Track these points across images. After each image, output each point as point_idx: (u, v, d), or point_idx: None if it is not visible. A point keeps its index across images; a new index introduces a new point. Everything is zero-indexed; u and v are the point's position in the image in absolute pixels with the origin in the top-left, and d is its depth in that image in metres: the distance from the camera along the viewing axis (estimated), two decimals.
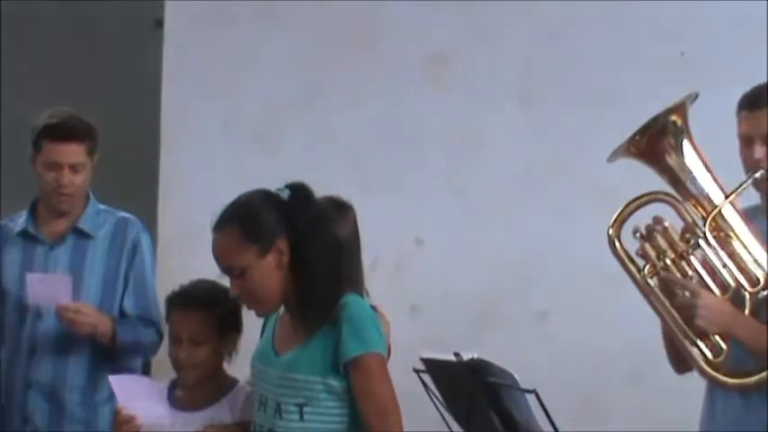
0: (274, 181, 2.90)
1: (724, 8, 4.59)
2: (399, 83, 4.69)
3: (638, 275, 2.80)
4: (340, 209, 3.27)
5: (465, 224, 4.58)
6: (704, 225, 2.76)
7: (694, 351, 2.77)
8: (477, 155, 4.64)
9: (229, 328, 3.07)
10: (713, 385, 2.82)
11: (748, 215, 2.84)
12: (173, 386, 3.14)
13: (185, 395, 3.09)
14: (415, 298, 4.44)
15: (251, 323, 3.06)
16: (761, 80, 4.21)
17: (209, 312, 3.05)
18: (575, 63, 4.65)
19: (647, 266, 2.78)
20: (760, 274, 2.76)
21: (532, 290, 4.45)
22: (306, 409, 2.68)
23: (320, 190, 2.96)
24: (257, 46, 4.77)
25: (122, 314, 3.61)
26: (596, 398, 4.30)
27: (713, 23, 4.58)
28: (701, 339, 2.76)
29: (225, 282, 2.84)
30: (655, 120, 2.83)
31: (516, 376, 2.75)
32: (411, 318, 4.33)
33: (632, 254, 2.81)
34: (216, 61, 4.77)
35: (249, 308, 2.81)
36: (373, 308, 3.17)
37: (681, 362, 2.93)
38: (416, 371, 3.02)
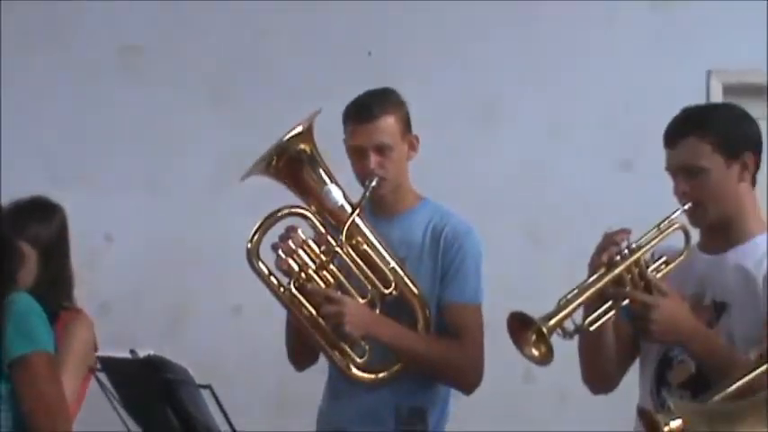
0: None
1: (411, 10, 4.78)
2: (91, 76, 4.62)
3: (280, 290, 2.89)
4: (47, 210, 3.21)
5: (158, 220, 4.56)
6: (340, 235, 2.88)
7: (336, 355, 2.90)
8: (171, 150, 4.63)
9: None
10: (344, 379, 2.96)
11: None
12: None
13: None
14: (105, 296, 4.38)
15: None
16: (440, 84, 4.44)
17: None
18: (271, 60, 4.71)
19: (292, 280, 2.86)
20: (391, 276, 2.92)
21: (226, 284, 4.47)
22: None
23: (9, 186, 2.86)
24: None
25: None
26: (288, 387, 4.38)
27: (400, 25, 4.76)
28: (346, 344, 2.89)
29: None
30: (281, 144, 2.92)
31: (190, 371, 2.76)
32: (101, 316, 4.25)
33: (273, 268, 2.91)
34: None
35: None
36: (77, 309, 3.11)
37: (302, 358, 3.07)
38: (91, 369, 2.97)
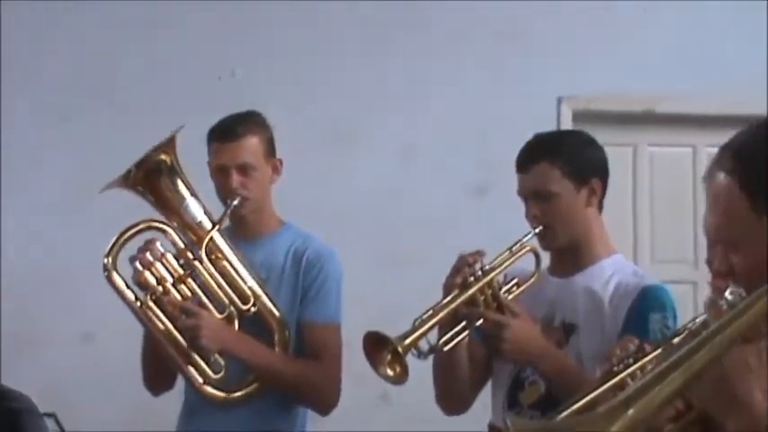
0: None
1: (269, 36, 4.80)
2: None
3: (136, 304, 2.86)
4: None
5: (8, 241, 4.45)
6: (200, 249, 2.87)
7: (191, 371, 2.87)
8: (19, 168, 4.51)
9: None
10: (201, 400, 2.92)
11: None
12: None
13: None
14: None
15: None
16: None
17: None
18: (118, 78, 4.66)
19: (148, 293, 2.83)
20: (249, 293, 2.92)
21: (80, 308, 4.38)
22: None
23: None
24: None
25: None
26: (146, 407, 4.31)
27: (264, 46, 4.76)
28: (202, 359, 2.86)
29: None
30: (146, 157, 2.91)
31: (44, 397, 2.68)
32: None
33: (130, 281, 2.87)
34: None
35: None
36: None
37: (158, 382, 3.04)
38: None
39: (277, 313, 2.93)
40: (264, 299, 2.92)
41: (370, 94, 4.98)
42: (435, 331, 2.61)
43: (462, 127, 5.01)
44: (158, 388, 3.10)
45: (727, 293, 1.57)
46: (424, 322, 2.55)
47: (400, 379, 2.52)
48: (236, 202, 2.90)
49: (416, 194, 4.97)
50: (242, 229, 3.00)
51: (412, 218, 4.94)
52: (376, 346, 2.53)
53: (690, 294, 4.89)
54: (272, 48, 4.84)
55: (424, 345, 2.57)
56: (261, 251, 2.98)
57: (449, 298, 2.58)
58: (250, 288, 2.91)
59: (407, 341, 2.51)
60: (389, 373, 2.53)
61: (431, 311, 2.56)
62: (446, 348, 2.60)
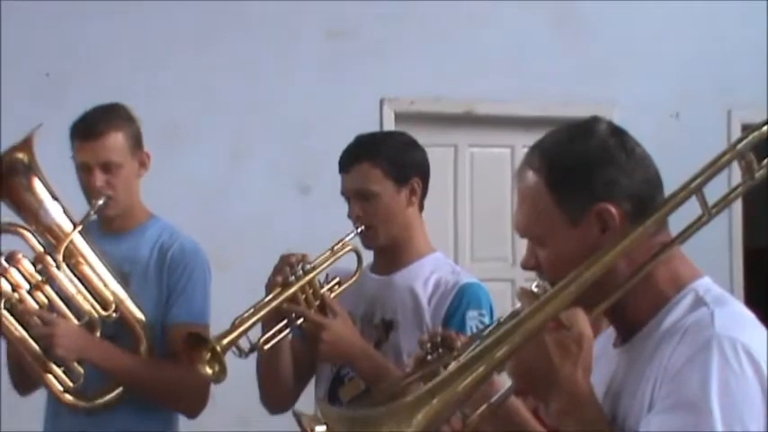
0: None
1: (91, 33, 4.73)
2: None
3: None
4: None
5: None
6: (57, 253, 2.80)
7: (51, 379, 2.81)
8: None
9: None
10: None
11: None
12: None
13: None
14: None
15: None
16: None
17: None
18: None
19: (2, 301, 2.76)
20: (111, 298, 2.85)
21: None
22: None
23: None
24: None
25: None
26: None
27: (78, 44, 4.69)
28: (59, 367, 2.80)
29: None
30: (0, 157, 2.82)
31: None
32: None
33: None
34: None
35: None
36: None
37: (24, 384, 2.97)
38: None
39: (140, 316, 2.85)
40: (128, 303, 2.85)
41: (198, 93, 4.97)
42: (259, 329, 2.64)
43: (289, 126, 5.05)
44: (25, 388, 3.00)
45: (533, 286, 1.64)
46: (243, 321, 2.56)
47: (219, 377, 2.53)
48: (100, 203, 2.83)
49: (242, 193, 4.98)
50: (108, 223, 2.92)
51: (237, 216, 4.94)
52: (195, 345, 2.54)
53: (508, 291, 5.05)
54: (96, 46, 4.78)
55: (245, 343, 2.59)
56: (126, 243, 2.91)
57: (270, 297, 2.60)
58: (112, 292, 2.84)
59: (225, 341, 2.52)
60: (209, 371, 2.54)
61: (251, 310, 2.58)
62: (266, 347, 2.61)
